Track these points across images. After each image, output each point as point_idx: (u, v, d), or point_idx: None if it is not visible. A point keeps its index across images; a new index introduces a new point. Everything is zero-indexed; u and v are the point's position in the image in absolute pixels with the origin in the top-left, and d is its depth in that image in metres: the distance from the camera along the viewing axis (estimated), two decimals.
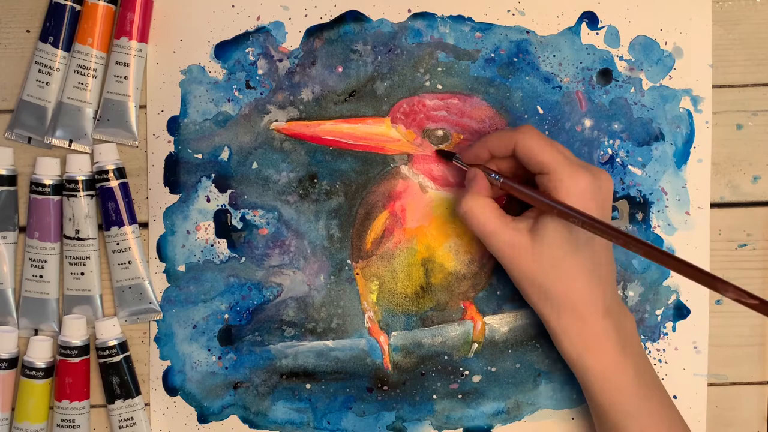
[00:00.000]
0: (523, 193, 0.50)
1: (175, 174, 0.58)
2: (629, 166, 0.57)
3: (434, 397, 0.58)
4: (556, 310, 0.51)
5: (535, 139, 0.50)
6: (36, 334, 0.57)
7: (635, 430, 0.50)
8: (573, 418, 0.58)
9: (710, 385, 0.58)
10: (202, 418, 0.58)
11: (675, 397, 0.58)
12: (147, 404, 0.58)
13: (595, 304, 0.50)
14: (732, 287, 0.43)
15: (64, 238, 0.57)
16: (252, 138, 0.57)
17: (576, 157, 0.51)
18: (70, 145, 0.57)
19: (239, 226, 0.58)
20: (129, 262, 0.57)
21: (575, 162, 0.50)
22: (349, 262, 0.58)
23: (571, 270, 0.50)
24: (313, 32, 0.57)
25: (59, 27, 0.56)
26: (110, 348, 0.56)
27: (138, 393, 0.57)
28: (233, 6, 0.57)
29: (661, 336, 0.58)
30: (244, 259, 0.58)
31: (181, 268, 0.58)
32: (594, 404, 0.52)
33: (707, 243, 0.57)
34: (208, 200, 0.58)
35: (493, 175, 0.52)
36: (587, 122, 0.57)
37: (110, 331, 0.56)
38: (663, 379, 0.58)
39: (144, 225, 0.58)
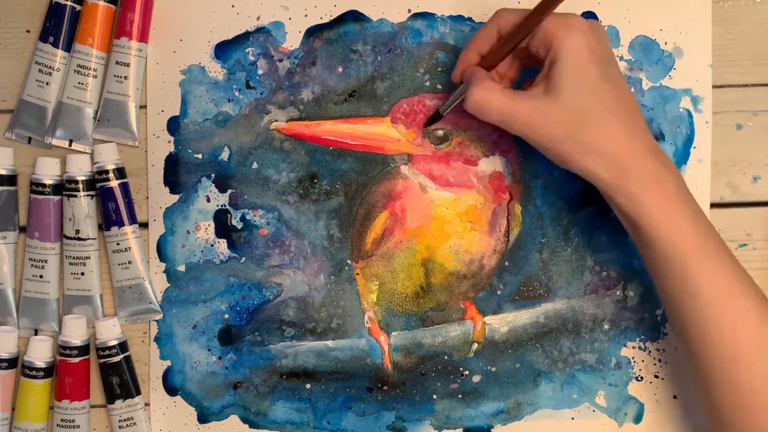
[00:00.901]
0: (517, 31, 0.50)
1: (175, 174, 0.58)
2: None
3: (434, 397, 0.58)
4: (603, 158, 0.48)
5: (516, 12, 0.50)
6: (36, 334, 0.57)
7: (706, 273, 0.47)
8: (573, 418, 0.58)
9: None
10: (202, 418, 0.58)
11: (675, 397, 0.58)
12: (147, 404, 0.58)
13: (638, 136, 0.48)
14: None
15: (64, 238, 0.57)
16: (252, 138, 0.57)
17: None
18: (70, 145, 0.57)
19: (239, 226, 0.58)
20: (129, 262, 0.57)
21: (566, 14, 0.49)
22: (349, 262, 0.58)
23: (601, 111, 0.48)
24: (313, 32, 0.57)
25: (59, 27, 0.56)
26: (110, 348, 0.56)
27: (138, 393, 0.57)
28: (233, 6, 0.57)
29: (661, 336, 0.58)
30: (244, 259, 0.58)
31: (181, 268, 0.58)
32: (657, 254, 0.48)
33: None
34: (208, 200, 0.58)
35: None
36: None
37: (110, 331, 0.56)
38: (663, 379, 0.58)
39: (144, 225, 0.58)
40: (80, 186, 0.56)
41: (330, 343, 0.58)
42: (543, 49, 0.49)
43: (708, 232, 0.48)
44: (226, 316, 0.58)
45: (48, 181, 0.56)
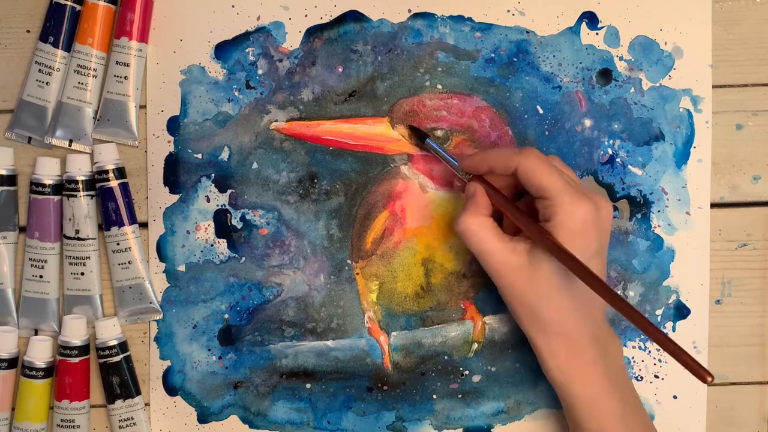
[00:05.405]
0: (519, 220, 0.50)
1: (175, 174, 0.58)
2: (629, 166, 0.57)
3: (434, 396, 0.58)
4: (545, 334, 0.50)
5: (538, 163, 0.49)
6: (36, 334, 0.57)
7: None
8: None
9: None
10: (202, 418, 0.58)
11: (675, 397, 0.58)
12: (147, 404, 0.58)
13: (584, 332, 0.50)
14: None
15: (64, 238, 0.57)
16: (252, 138, 0.58)
17: (579, 181, 0.51)
18: (70, 145, 0.57)
19: (239, 226, 0.58)
20: (129, 262, 0.57)
21: (576, 189, 0.49)
22: (349, 262, 0.58)
23: (566, 299, 0.49)
24: (313, 32, 0.57)
25: (59, 27, 0.56)
26: (110, 348, 0.56)
27: (138, 393, 0.57)
28: (233, 6, 0.57)
29: None
30: (244, 259, 0.58)
31: (181, 268, 0.58)
32: (578, 430, 0.52)
33: (707, 243, 0.57)
34: (208, 200, 0.58)
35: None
36: (587, 122, 0.57)
37: (110, 331, 0.56)
38: (663, 379, 0.58)
39: (144, 225, 0.58)
40: (80, 186, 0.56)
41: (330, 343, 0.58)
42: (543, 211, 0.50)
43: (634, 412, 0.51)
44: (226, 316, 0.58)
45: (48, 181, 0.56)
